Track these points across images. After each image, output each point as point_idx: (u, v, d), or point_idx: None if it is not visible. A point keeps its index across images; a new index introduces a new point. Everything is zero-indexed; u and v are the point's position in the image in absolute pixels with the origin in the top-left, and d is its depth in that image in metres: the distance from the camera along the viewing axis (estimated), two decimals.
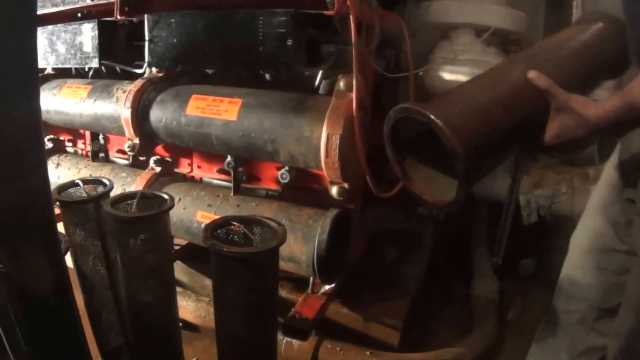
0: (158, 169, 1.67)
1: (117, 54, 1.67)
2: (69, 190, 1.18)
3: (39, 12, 1.68)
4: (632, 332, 0.86)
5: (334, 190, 1.28)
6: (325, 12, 1.16)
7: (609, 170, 1.06)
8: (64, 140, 2.01)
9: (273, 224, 0.98)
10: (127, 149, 1.59)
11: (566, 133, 0.77)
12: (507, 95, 0.77)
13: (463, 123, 0.71)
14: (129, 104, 1.50)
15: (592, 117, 0.74)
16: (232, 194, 1.47)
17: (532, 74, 0.77)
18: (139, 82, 1.55)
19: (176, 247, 1.71)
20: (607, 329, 1.07)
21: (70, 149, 2.02)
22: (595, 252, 1.07)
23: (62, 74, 1.89)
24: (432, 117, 0.71)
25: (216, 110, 1.37)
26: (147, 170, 1.68)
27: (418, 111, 0.73)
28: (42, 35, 1.74)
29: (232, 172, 1.45)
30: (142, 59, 1.50)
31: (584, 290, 1.09)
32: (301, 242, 1.28)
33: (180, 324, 1.25)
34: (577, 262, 1.13)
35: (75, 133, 1.96)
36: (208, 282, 1.64)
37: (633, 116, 0.72)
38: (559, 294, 1.18)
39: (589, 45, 0.85)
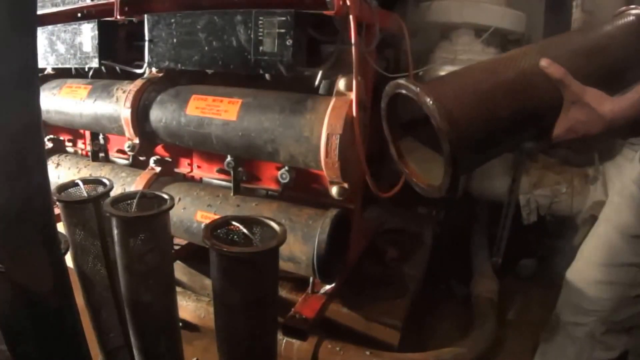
0: (158, 169, 1.67)
1: (117, 54, 1.67)
2: (69, 190, 1.18)
3: (39, 12, 1.69)
4: None
5: (334, 190, 1.28)
6: (325, 12, 1.16)
7: (624, 181, 1.03)
8: (64, 140, 2.01)
9: (273, 223, 0.98)
10: (127, 149, 1.59)
11: (578, 129, 0.70)
12: (513, 82, 0.71)
13: (455, 102, 0.67)
14: (129, 104, 1.50)
15: (607, 113, 0.67)
16: (232, 194, 1.47)
17: (544, 62, 0.71)
18: (139, 82, 1.54)
19: (176, 247, 1.71)
20: (615, 342, 1.07)
21: (70, 149, 2.02)
22: (608, 265, 1.05)
23: (62, 74, 1.89)
24: (419, 91, 0.66)
25: (216, 110, 1.37)
26: (147, 170, 1.68)
27: (408, 87, 0.69)
28: (42, 35, 1.74)
29: (232, 172, 1.45)
30: (142, 59, 1.50)
31: (594, 304, 1.07)
32: (301, 242, 1.28)
33: (180, 324, 1.25)
34: (587, 275, 1.10)
35: (75, 133, 1.96)
36: (208, 282, 1.64)
37: None
38: (565, 305, 1.15)
39: (619, 37, 0.77)
